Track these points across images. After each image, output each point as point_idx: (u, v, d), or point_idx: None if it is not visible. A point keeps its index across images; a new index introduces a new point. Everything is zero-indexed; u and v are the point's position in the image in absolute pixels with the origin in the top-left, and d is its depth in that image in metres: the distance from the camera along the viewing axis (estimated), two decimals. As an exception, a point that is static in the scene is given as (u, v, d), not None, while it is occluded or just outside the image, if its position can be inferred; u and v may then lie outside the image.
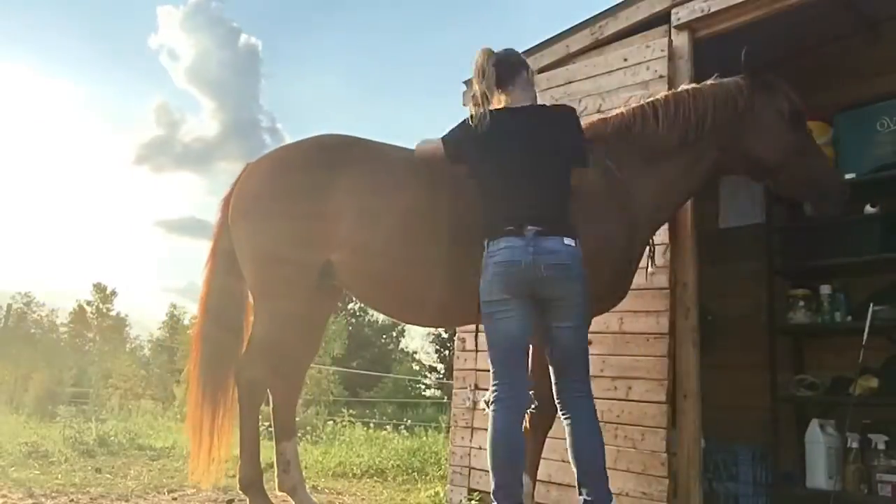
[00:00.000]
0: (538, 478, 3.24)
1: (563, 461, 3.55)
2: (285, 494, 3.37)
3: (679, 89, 3.17)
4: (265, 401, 3.28)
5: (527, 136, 2.71)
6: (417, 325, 3.68)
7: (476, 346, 4.28)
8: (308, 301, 3.11)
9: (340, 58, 68.18)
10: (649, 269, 3.30)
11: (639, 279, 3.50)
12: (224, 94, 65.36)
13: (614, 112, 3.17)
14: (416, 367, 30.99)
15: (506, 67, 2.82)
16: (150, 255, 66.66)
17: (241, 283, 3.24)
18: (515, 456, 2.55)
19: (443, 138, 2.87)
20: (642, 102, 3.12)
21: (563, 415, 2.67)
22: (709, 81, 3.12)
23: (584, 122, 3.29)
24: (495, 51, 2.86)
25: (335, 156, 3.08)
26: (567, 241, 2.57)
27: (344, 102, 67.76)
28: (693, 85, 3.16)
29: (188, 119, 69.60)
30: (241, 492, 3.18)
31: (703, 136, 2.99)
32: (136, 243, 66.73)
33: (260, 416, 3.26)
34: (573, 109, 2.88)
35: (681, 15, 3.73)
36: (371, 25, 67.73)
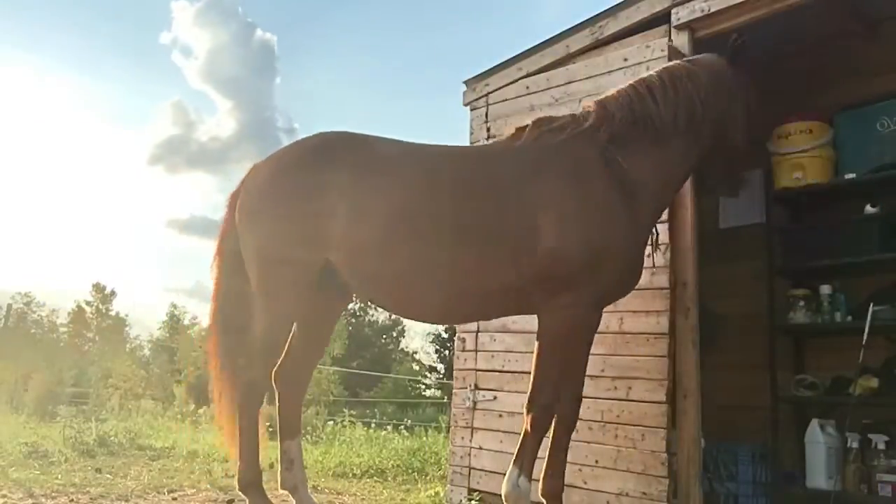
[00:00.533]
0: (500, 471, 3.21)
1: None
2: (285, 493, 3.37)
3: (670, 66, 3.13)
4: (269, 400, 3.29)
5: None
6: (420, 321, 3.69)
7: (476, 346, 4.29)
8: (309, 301, 3.10)
9: (356, 54, 67.59)
10: (654, 256, 3.29)
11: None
12: (239, 92, 64.84)
13: (603, 95, 3.10)
14: (416, 367, 30.99)
15: None
16: (159, 256, 66.47)
17: (248, 284, 3.20)
18: None
19: None
20: (632, 82, 3.05)
21: None
22: (688, 59, 3.18)
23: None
24: None
25: (331, 154, 3.06)
26: None
27: (361, 99, 67.11)
28: (677, 62, 3.15)
29: (203, 118, 69.13)
30: (239, 492, 3.18)
31: (706, 113, 2.97)
32: (146, 243, 66.56)
33: (260, 416, 3.26)
34: None
35: (681, 15, 3.73)
36: (388, 21, 67.16)
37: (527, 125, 3.07)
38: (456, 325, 4.49)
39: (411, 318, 3.58)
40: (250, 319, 3.18)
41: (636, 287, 3.46)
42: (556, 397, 2.91)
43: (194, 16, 64.37)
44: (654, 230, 3.16)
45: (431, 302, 3.03)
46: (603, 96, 3.09)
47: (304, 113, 68.92)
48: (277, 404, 3.35)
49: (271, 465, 4.13)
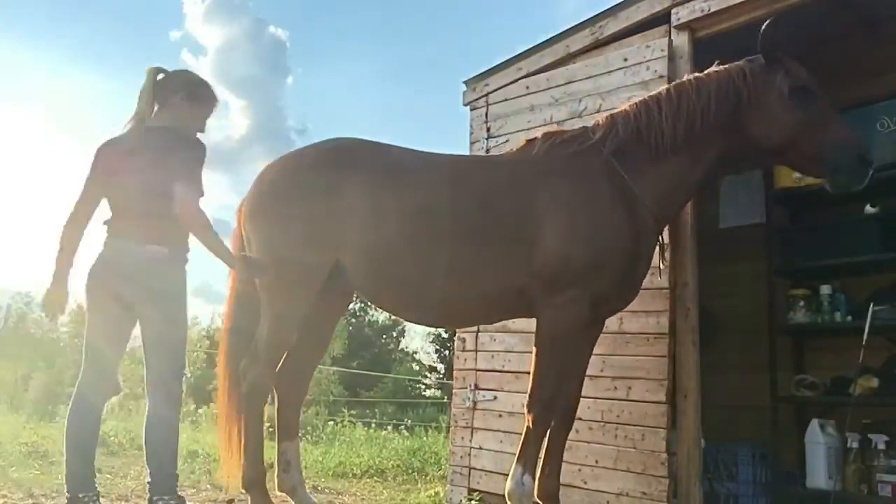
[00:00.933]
0: (500, 471, 3.23)
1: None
2: (285, 494, 3.38)
3: (682, 80, 3.12)
4: (269, 401, 3.29)
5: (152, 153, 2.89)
6: (429, 326, 3.75)
7: (476, 346, 4.29)
8: (315, 303, 3.12)
9: (367, 51, 66.61)
10: (661, 266, 3.31)
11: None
12: (251, 90, 63.45)
13: (617, 110, 3.16)
14: (416, 367, 30.93)
15: (161, 88, 3.03)
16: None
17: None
18: None
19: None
20: (646, 97, 3.09)
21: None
22: (712, 68, 3.07)
23: (586, 122, 3.30)
24: (165, 69, 3.07)
25: (345, 157, 3.10)
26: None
27: (371, 98, 66.18)
28: (695, 75, 3.10)
29: (215, 118, 68.12)
30: (243, 490, 3.18)
31: (707, 127, 2.94)
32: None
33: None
34: (199, 146, 3.01)
35: (681, 15, 3.73)
36: (400, 19, 66.11)
37: (535, 138, 3.15)
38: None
39: (416, 321, 3.61)
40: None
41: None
42: (557, 395, 2.93)
43: (204, 12, 63.96)
44: (661, 238, 3.19)
45: (441, 302, 3.07)
46: (616, 110, 3.14)
47: (315, 113, 67.84)
48: (276, 405, 3.36)
49: (270, 466, 4.11)
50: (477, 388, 4.21)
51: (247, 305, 3.25)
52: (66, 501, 2.80)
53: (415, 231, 2.96)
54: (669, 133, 2.94)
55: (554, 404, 2.94)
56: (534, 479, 2.95)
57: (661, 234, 3.20)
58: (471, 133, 4.62)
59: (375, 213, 2.97)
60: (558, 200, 2.91)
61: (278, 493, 3.38)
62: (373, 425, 10.23)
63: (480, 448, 4.14)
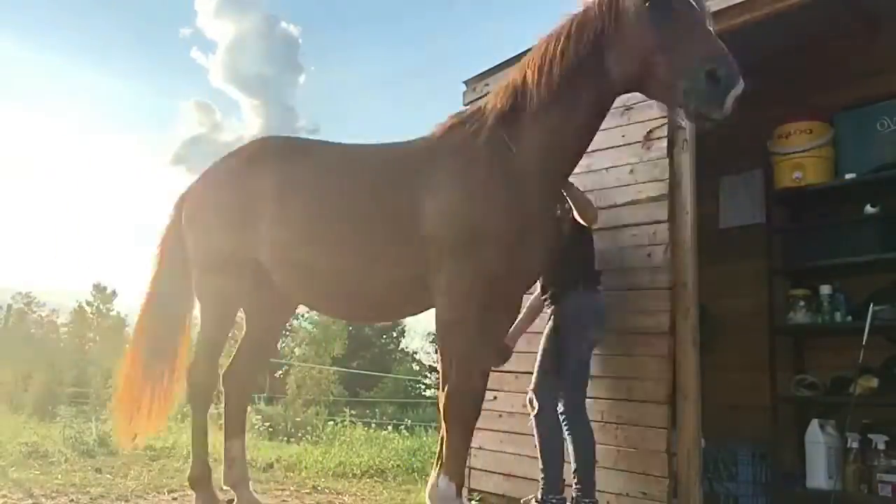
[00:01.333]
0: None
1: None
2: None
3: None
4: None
5: None
6: (344, 318, 3.93)
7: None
8: (243, 303, 3.38)
9: (379, 49, 66.23)
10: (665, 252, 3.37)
11: (639, 279, 3.51)
12: (263, 89, 63.42)
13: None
14: (416, 367, 30.96)
15: None
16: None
17: (185, 281, 3.42)
18: None
19: None
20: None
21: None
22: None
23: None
24: None
25: (261, 164, 3.24)
26: None
27: (379, 96, 65.86)
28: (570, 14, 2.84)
29: (228, 116, 67.76)
30: (188, 486, 3.35)
31: (569, 71, 2.69)
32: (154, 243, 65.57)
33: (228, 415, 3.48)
34: None
35: (681, 15, 3.72)
36: (412, 16, 65.75)
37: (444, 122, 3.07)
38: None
39: (331, 314, 3.72)
40: (184, 315, 3.51)
41: (636, 287, 3.47)
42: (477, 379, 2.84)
43: (214, 8, 63.55)
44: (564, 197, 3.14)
45: (347, 292, 3.13)
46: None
47: (328, 112, 67.74)
48: (224, 404, 3.52)
49: (271, 465, 4.12)
50: (477, 388, 4.20)
51: (166, 293, 3.51)
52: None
53: (313, 222, 3.06)
54: (534, 86, 2.76)
55: (467, 391, 2.79)
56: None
57: (560, 198, 3.09)
58: (471, 133, 4.61)
59: (280, 209, 3.10)
60: (438, 180, 2.84)
61: (224, 487, 3.43)
62: (373, 425, 10.23)
63: (480, 448, 4.14)
